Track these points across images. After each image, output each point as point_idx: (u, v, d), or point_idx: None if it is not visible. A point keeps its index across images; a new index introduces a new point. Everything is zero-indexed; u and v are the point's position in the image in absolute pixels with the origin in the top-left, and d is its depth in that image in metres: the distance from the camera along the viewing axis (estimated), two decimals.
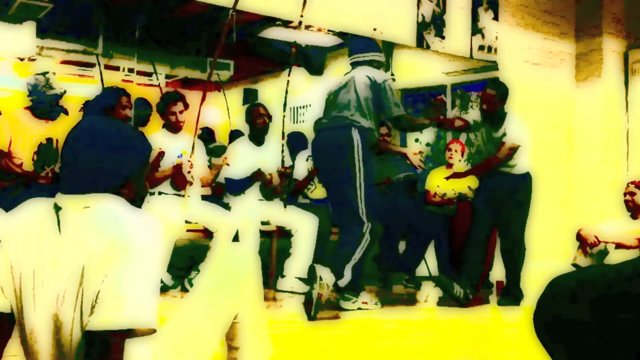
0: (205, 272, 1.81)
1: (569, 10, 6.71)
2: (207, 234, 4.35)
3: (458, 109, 6.85)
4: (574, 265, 4.22)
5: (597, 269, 1.55)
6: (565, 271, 1.22)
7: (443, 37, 5.73)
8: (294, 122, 7.94)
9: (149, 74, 7.38)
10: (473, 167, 5.13)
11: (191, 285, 4.23)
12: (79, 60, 7.05)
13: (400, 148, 5.12)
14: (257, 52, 7.24)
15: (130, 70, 7.15)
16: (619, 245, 4.11)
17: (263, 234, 4.59)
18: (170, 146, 4.30)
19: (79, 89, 6.08)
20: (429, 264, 5.30)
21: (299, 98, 7.42)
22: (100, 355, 1.35)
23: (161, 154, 4.16)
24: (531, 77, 6.36)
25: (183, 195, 4.34)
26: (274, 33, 6.14)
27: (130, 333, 1.37)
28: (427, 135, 6.92)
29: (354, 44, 4.41)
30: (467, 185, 5.05)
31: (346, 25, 5.32)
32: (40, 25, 6.12)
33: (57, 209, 1.46)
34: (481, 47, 5.98)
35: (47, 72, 3.96)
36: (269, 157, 4.81)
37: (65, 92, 3.99)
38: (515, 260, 4.54)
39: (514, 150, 4.44)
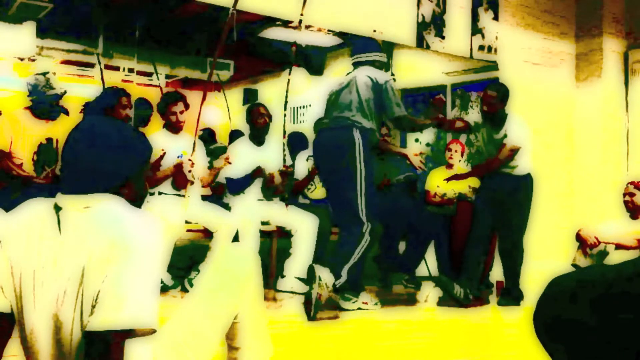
0: (205, 272, 1.81)
1: (569, 10, 6.71)
2: (207, 234, 4.35)
3: (458, 109, 6.85)
4: (574, 265, 4.22)
5: (597, 269, 1.55)
6: (565, 271, 1.22)
7: (443, 37, 5.73)
8: (294, 122, 7.94)
9: (149, 74, 7.38)
10: (473, 169, 5.13)
11: (191, 285, 4.23)
12: (79, 60, 7.06)
13: (401, 149, 5.12)
14: (257, 52, 7.24)
15: (131, 70, 7.16)
16: (618, 246, 4.11)
17: (263, 234, 4.59)
18: (171, 146, 4.30)
19: (79, 89, 6.09)
20: (429, 264, 5.30)
21: (299, 98, 7.41)
22: (100, 355, 1.35)
23: (162, 155, 4.16)
24: (531, 77, 6.36)
25: (183, 195, 4.34)
26: (274, 33, 6.14)
27: (130, 333, 1.37)
28: (427, 135, 6.91)
29: (356, 44, 4.41)
30: (467, 185, 5.05)
31: (346, 26, 5.32)
32: (40, 25, 6.12)
33: (57, 209, 1.46)
34: (481, 47, 5.98)
35: (47, 72, 3.96)
36: (269, 157, 4.81)
37: (65, 92, 3.98)
38: (514, 260, 4.54)
39: (514, 151, 4.44)
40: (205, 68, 7.27)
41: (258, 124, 4.82)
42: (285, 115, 5.05)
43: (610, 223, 4.46)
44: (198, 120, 4.39)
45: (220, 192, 4.95)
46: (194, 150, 4.30)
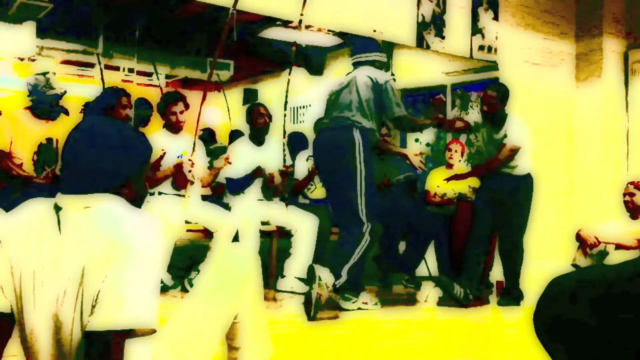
0: (205, 272, 1.81)
1: (569, 10, 6.71)
2: (207, 234, 4.35)
3: (458, 109, 6.85)
4: (574, 265, 4.22)
5: (597, 269, 1.55)
6: (565, 271, 1.22)
7: (443, 37, 5.73)
8: (294, 122, 7.94)
9: (149, 74, 7.39)
10: (473, 169, 5.13)
11: (191, 285, 4.23)
12: (79, 60, 7.06)
13: (401, 149, 5.12)
14: (257, 52, 7.24)
15: (131, 70, 7.16)
16: (618, 246, 4.11)
17: (263, 234, 4.59)
18: (171, 146, 4.30)
19: (79, 89, 6.09)
20: (429, 264, 5.30)
21: (299, 98, 7.42)
22: (100, 355, 1.35)
23: (162, 155, 4.16)
24: (531, 77, 6.36)
25: (183, 195, 4.34)
26: (274, 33, 6.14)
27: (130, 333, 1.37)
28: (427, 135, 6.92)
29: (356, 44, 4.41)
30: (467, 184, 5.05)
31: (346, 26, 5.32)
32: (40, 25, 6.12)
33: (58, 209, 1.46)
34: (481, 47, 5.98)
35: (47, 72, 3.96)
36: (269, 156, 4.81)
37: (65, 92, 3.98)
38: (514, 260, 4.54)
39: (514, 151, 4.44)
40: (205, 68, 7.28)
41: (258, 124, 4.82)
42: (285, 115, 5.05)
43: (610, 223, 4.46)
44: (198, 120, 4.39)
45: (220, 192, 4.95)
46: (194, 150, 4.30)
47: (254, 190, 4.75)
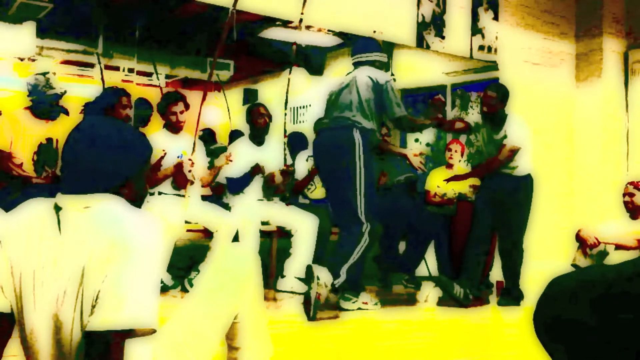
0: (205, 272, 1.81)
1: (569, 10, 6.71)
2: (207, 234, 4.35)
3: (458, 109, 6.85)
4: (574, 265, 4.22)
5: (597, 269, 1.55)
6: (565, 271, 1.22)
7: (443, 37, 5.73)
8: (294, 122, 7.94)
9: (149, 74, 7.39)
10: (473, 169, 5.13)
11: (191, 285, 4.23)
12: (79, 60, 7.06)
13: (401, 149, 5.12)
14: (257, 52, 7.24)
15: (130, 70, 7.16)
16: (618, 246, 4.11)
17: (263, 234, 4.59)
18: (171, 146, 4.30)
19: (79, 89, 6.09)
20: (429, 264, 5.30)
21: (299, 98, 7.42)
22: (100, 355, 1.35)
23: (163, 155, 4.16)
24: (531, 77, 6.36)
25: (183, 195, 4.34)
26: (274, 33, 6.14)
27: (130, 333, 1.37)
28: (427, 135, 6.92)
29: (356, 44, 4.40)
30: (468, 184, 5.04)
31: (346, 26, 5.32)
32: (40, 25, 6.12)
33: (58, 209, 1.46)
34: (481, 47, 5.98)
35: (47, 72, 3.96)
36: (269, 156, 4.81)
37: (65, 92, 3.98)
38: (514, 260, 4.54)
39: (514, 152, 4.44)
40: (205, 68, 7.28)
41: (258, 124, 4.82)
42: (285, 114, 5.05)
43: (610, 223, 4.46)
44: (198, 120, 4.39)
45: (220, 192, 4.95)
46: (194, 150, 4.30)
47: (254, 190, 4.75)
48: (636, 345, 1.05)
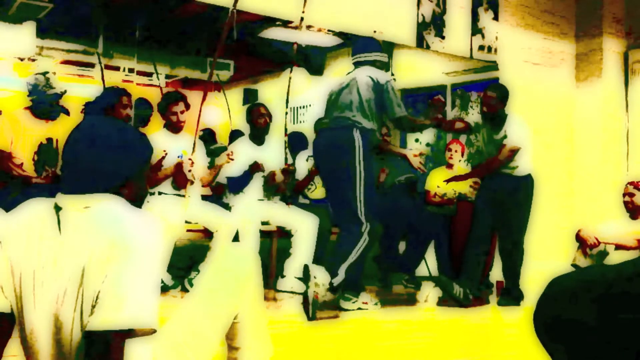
0: (205, 272, 1.81)
1: (569, 10, 6.71)
2: (207, 234, 4.35)
3: (458, 109, 6.85)
4: (574, 266, 4.22)
5: (597, 269, 1.55)
6: (565, 271, 1.22)
7: (443, 37, 5.73)
8: (294, 122, 7.94)
9: (149, 74, 7.39)
10: (473, 170, 5.13)
11: (191, 285, 4.23)
12: (79, 60, 7.06)
13: (401, 149, 5.12)
14: (257, 52, 7.24)
15: (131, 70, 7.16)
16: (618, 246, 4.11)
17: (263, 234, 4.59)
18: (171, 146, 4.30)
19: (79, 89, 6.09)
20: (429, 264, 5.30)
21: (299, 98, 7.42)
22: (100, 355, 1.35)
23: (164, 156, 4.16)
24: (531, 77, 6.36)
25: (183, 195, 4.34)
26: (274, 33, 6.14)
27: (130, 333, 1.37)
28: (427, 135, 6.92)
29: (357, 44, 4.40)
30: (468, 184, 5.04)
31: (346, 25, 5.32)
32: (40, 25, 6.13)
33: (58, 209, 1.46)
34: (481, 47, 5.98)
35: (47, 72, 3.96)
36: (269, 156, 4.81)
37: (65, 91, 3.98)
38: (514, 260, 4.54)
39: (514, 152, 4.44)
40: (205, 68, 7.28)
41: (258, 124, 4.82)
42: (286, 113, 5.05)
43: (610, 223, 4.46)
44: (198, 120, 4.39)
45: (220, 192, 4.96)
46: (194, 150, 4.30)
47: (254, 189, 4.75)
48: (636, 345, 1.05)
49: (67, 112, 4.03)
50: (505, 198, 4.50)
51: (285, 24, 5.29)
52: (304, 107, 7.97)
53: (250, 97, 8.50)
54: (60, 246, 1.43)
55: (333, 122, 4.07)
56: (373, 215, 3.91)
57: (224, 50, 4.57)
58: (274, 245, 4.76)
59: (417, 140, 7.00)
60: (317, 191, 5.19)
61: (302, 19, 4.77)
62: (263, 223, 4.63)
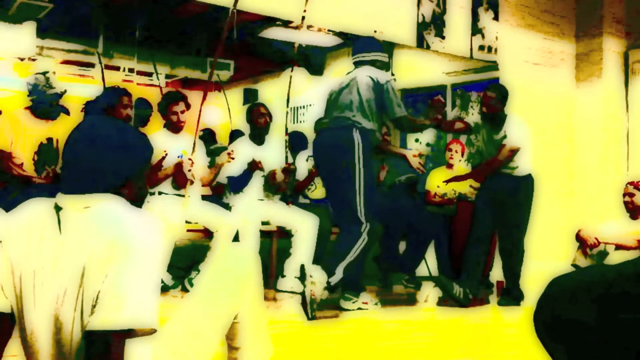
0: (206, 272, 1.81)
1: (569, 10, 6.71)
2: (207, 234, 4.35)
3: (458, 109, 6.85)
4: (574, 266, 4.22)
5: (597, 269, 1.55)
6: (565, 271, 1.22)
7: (443, 37, 5.73)
8: (294, 122, 7.94)
9: (149, 74, 7.38)
10: (473, 170, 5.13)
11: (191, 285, 4.23)
12: (79, 60, 7.05)
13: (400, 149, 5.12)
14: (257, 52, 7.24)
15: (131, 70, 7.15)
16: (618, 246, 4.11)
17: (263, 234, 4.59)
18: (171, 146, 4.30)
19: (79, 89, 6.08)
20: (429, 264, 5.30)
21: (299, 98, 7.41)
22: (100, 355, 1.35)
23: (164, 156, 4.16)
24: (531, 77, 6.36)
25: (183, 195, 4.34)
26: (274, 33, 6.14)
27: (130, 333, 1.37)
28: (427, 135, 6.92)
29: (358, 43, 4.39)
30: (468, 184, 5.05)
31: (346, 25, 5.32)
32: (40, 25, 6.12)
33: (58, 209, 1.46)
34: (481, 47, 5.98)
35: (47, 72, 3.96)
36: (270, 156, 4.81)
37: (65, 91, 3.98)
38: (514, 260, 4.54)
39: (514, 152, 4.44)
40: (206, 68, 7.27)
41: (258, 124, 4.82)
42: (287, 112, 5.05)
43: (610, 223, 4.46)
44: (198, 120, 4.39)
45: (220, 192, 4.95)
46: (194, 150, 4.30)
47: (255, 189, 4.75)
48: (636, 345, 1.05)
49: (67, 112, 4.03)
50: (505, 198, 4.50)
51: (286, 23, 5.29)
52: (304, 107, 7.97)
53: (250, 97, 8.49)
54: (61, 246, 1.43)
55: (333, 122, 4.07)
56: (373, 215, 3.91)
57: (224, 50, 4.56)
58: (274, 245, 4.76)
59: (417, 140, 7.00)
60: (317, 191, 5.19)
61: (303, 17, 4.76)
62: (263, 223, 4.63)
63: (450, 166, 5.37)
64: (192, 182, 4.27)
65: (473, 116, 6.23)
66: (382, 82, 3.98)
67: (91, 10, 6.33)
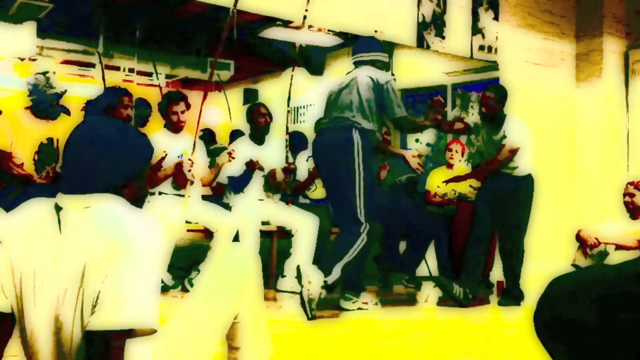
0: (206, 272, 1.81)
1: (569, 10, 6.71)
2: (208, 234, 4.35)
3: (458, 109, 6.85)
4: (574, 266, 4.22)
5: (597, 269, 1.55)
6: (565, 271, 1.22)
7: (443, 37, 5.73)
8: (294, 122, 7.94)
9: (149, 74, 7.38)
10: (473, 171, 5.13)
11: (191, 285, 4.23)
12: (79, 60, 7.06)
13: (400, 150, 5.12)
14: (257, 52, 7.24)
15: (131, 70, 7.16)
16: (618, 246, 4.11)
17: (263, 234, 4.59)
18: (171, 146, 4.30)
19: (79, 89, 6.08)
20: (429, 264, 5.30)
21: (299, 98, 7.42)
22: (100, 355, 1.35)
23: (164, 156, 4.16)
24: (531, 77, 6.36)
25: (183, 195, 4.34)
26: (275, 33, 6.14)
27: (130, 333, 1.37)
28: (428, 135, 6.92)
29: (358, 43, 4.39)
30: (468, 184, 5.05)
31: (347, 25, 5.32)
32: (40, 25, 6.12)
33: (58, 209, 1.46)
34: (481, 47, 5.98)
35: (47, 72, 3.96)
36: (270, 155, 4.81)
37: (65, 91, 3.98)
38: (514, 260, 4.54)
39: (514, 152, 4.44)
40: (206, 68, 7.27)
41: (259, 124, 4.82)
42: (288, 111, 5.05)
43: (610, 223, 4.46)
44: (198, 120, 4.39)
45: (220, 192, 4.95)
46: (194, 150, 4.30)
47: (255, 189, 4.75)
48: (636, 345, 1.05)
49: (67, 112, 4.03)
50: (505, 198, 4.50)
51: (286, 23, 5.29)
52: (304, 107, 7.97)
53: (250, 97, 8.50)
54: (61, 246, 1.43)
55: (332, 122, 4.06)
56: (373, 216, 3.91)
57: (225, 50, 4.56)
58: (274, 245, 4.76)
59: (417, 140, 7.00)
60: (318, 191, 5.19)
61: (305, 17, 4.76)
62: (263, 223, 4.63)
63: (450, 166, 5.37)
64: (192, 182, 4.27)
65: (473, 116, 6.23)
66: (382, 82, 3.97)
67: (91, 10, 6.33)
